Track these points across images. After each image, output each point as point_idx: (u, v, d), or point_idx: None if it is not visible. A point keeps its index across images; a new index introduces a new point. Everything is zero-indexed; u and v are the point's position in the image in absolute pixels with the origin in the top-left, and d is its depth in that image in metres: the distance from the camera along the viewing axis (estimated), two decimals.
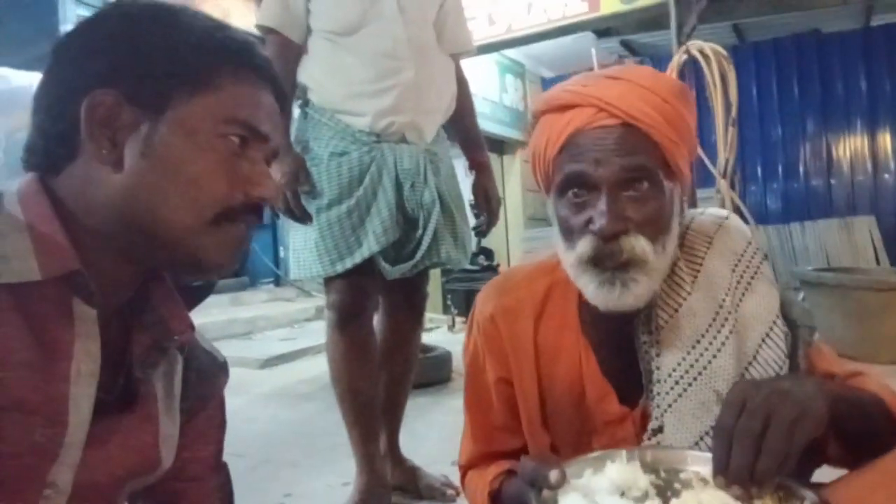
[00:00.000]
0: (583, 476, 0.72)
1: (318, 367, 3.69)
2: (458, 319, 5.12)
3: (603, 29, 5.97)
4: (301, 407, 2.90)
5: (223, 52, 0.65)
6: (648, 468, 0.74)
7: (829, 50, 6.01)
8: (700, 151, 3.41)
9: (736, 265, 0.91)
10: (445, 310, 4.90)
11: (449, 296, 4.60)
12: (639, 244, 0.79)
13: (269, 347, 4.15)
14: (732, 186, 3.23)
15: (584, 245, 0.81)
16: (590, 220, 0.80)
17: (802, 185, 6.21)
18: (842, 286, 3.22)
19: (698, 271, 0.90)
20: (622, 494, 0.70)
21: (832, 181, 6.10)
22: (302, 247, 1.79)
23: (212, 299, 5.10)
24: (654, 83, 0.82)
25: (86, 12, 4.73)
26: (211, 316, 4.63)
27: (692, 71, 3.47)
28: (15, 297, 0.57)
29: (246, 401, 3.02)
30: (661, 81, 0.83)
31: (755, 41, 6.36)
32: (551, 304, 0.96)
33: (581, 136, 0.81)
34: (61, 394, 0.59)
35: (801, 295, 3.60)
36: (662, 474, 0.74)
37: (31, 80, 4.65)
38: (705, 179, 3.65)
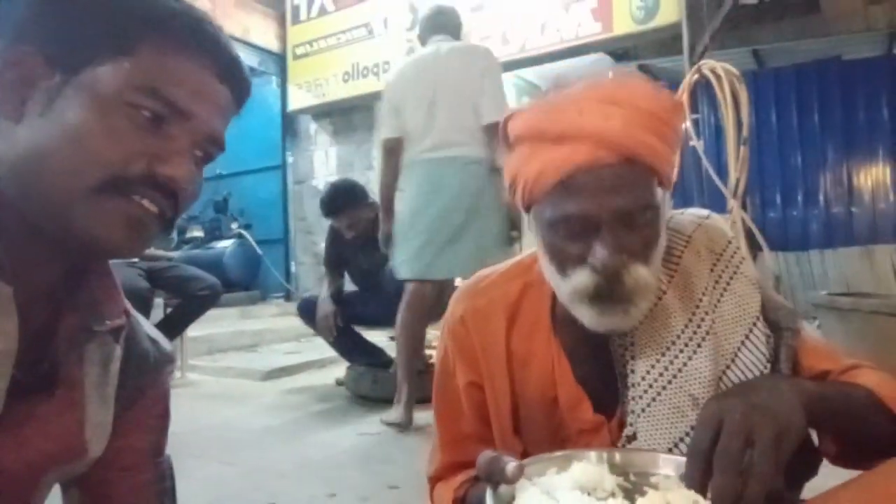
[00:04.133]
0: (545, 475, 0.68)
1: (319, 380, 3.68)
2: None
3: (620, 52, 5.97)
4: (297, 419, 2.86)
5: (151, 17, 0.60)
6: (618, 470, 0.71)
7: (851, 77, 5.91)
8: (712, 174, 3.36)
9: (714, 264, 0.87)
10: None
11: None
12: (640, 275, 0.75)
13: (273, 360, 4.14)
14: (744, 207, 3.16)
15: (583, 279, 0.76)
16: (586, 251, 0.75)
17: (823, 212, 6.08)
18: (857, 311, 3.11)
19: (675, 270, 0.86)
20: (587, 495, 0.66)
21: (853, 209, 5.97)
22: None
23: (221, 311, 5.12)
24: (654, 104, 0.75)
25: None
26: (219, 327, 4.64)
27: (704, 91, 3.43)
28: None
29: (244, 411, 3.00)
30: (660, 100, 0.76)
31: (775, 67, 6.30)
32: (525, 306, 0.92)
33: (580, 175, 0.73)
34: None
35: (816, 322, 3.50)
36: (632, 477, 0.70)
37: None
38: (717, 204, 3.57)
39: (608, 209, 0.73)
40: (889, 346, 3.00)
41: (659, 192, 0.78)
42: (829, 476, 0.76)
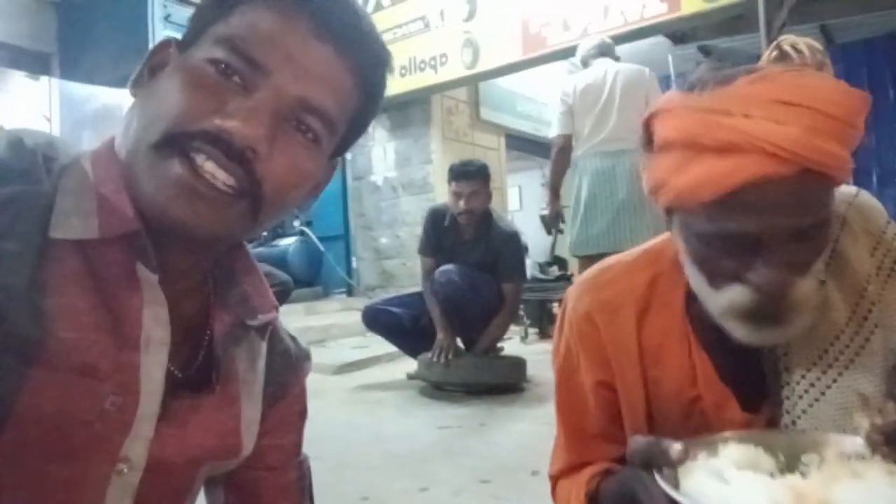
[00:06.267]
0: (698, 458, 0.63)
1: (391, 374, 3.71)
2: (531, 331, 5.03)
3: (679, 35, 5.80)
4: (375, 412, 2.88)
5: None
6: (766, 451, 0.66)
7: None
8: None
9: (875, 248, 0.80)
10: (517, 321, 4.83)
11: (522, 306, 4.51)
12: (805, 290, 0.67)
13: (342, 354, 4.20)
14: None
15: (740, 297, 0.68)
16: (743, 268, 0.68)
17: None
18: None
19: (831, 256, 0.78)
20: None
21: None
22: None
23: (288, 307, 5.24)
24: (839, 105, 0.64)
25: (174, 32, 4.97)
26: (287, 323, 4.56)
27: None
28: (83, 258, 0.55)
29: (322, 405, 3.03)
30: (847, 100, 0.65)
31: (844, 42, 6.03)
32: (655, 298, 0.86)
33: (746, 192, 0.63)
34: (132, 361, 0.56)
35: None
36: (781, 458, 0.65)
37: (120, 97, 4.90)
38: None
39: (777, 229, 0.65)
40: None
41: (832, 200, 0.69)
42: None
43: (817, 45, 2.96)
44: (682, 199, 0.69)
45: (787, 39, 3.10)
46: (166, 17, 4.73)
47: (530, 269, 6.04)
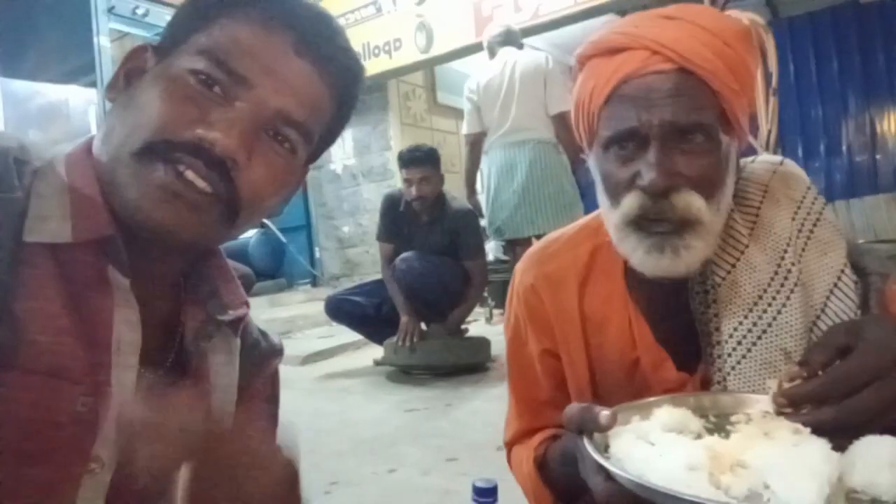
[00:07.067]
0: (630, 422, 0.67)
1: (357, 362, 3.72)
2: (496, 311, 5.08)
3: (630, 11, 5.86)
4: (343, 400, 2.90)
5: None
6: (697, 413, 0.70)
7: (869, 21, 5.78)
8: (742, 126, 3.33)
9: (796, 212, 0.85)
10: (482, 302, 4.87)
11: (486, 287, 4.56)
12: (693, 201, 0.73)
13: (308, 345, 4.20)
14: None
15: (630, 202, 0.75)
16: (637, 175, 0.74)
17: (846, 162, 6.00)
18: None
19: (754, 222, 0.84)
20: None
21: (877, 156, 5.88)
22: None
23: (251, 301, 5.25)
24: (716, 24, 0.74)
25: (119, 25, 4.83)
26: (251, 316, 4.67)
27: None
28: (55, 261, 0.55)
29: (290, 395, 3.00)
30: (724, 22, 0.75)
31: (790, 16, 6.17)
32: (596, 268, 0.91)
33: (631, 85, 0.74)
34: (103, 363, 0.57)
35: None
36: (712, 418, 0.70)
37: (66, 94, 4.75)
38: (746, 154, 3.55)
39: (658, 119, 0.72)
40: None
41: (724, 139, 0.75)
42: None
43: (759, 19, 3.05)
44: (588, 111, 0.78)
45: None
46: (110, 10, 4.58)
47: (493, 251, 6.09)
